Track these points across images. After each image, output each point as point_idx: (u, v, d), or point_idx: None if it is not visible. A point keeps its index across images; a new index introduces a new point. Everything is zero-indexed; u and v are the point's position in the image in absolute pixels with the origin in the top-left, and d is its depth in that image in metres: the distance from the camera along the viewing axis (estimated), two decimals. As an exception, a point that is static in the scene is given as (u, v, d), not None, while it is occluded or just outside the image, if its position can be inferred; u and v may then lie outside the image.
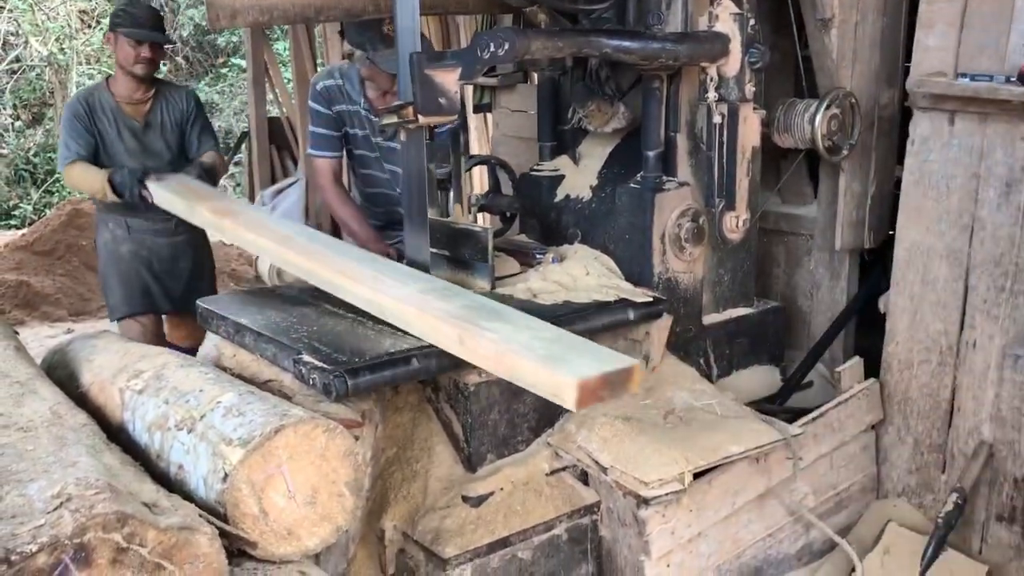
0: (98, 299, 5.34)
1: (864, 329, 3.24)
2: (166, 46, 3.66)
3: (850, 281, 3.21)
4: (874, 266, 3.19)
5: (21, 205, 10.32)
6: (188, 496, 1.72)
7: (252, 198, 7.41)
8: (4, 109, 10.77)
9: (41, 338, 5.46)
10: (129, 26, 3.38)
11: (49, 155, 10.44)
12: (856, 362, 2.90)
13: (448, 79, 2.37)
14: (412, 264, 2.58)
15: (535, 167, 3.11)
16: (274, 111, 7.39)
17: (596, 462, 2.36)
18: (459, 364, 2.19)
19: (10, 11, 10.82)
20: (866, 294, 3.13)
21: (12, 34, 10.84)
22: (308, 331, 2.29)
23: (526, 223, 3.15)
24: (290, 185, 6.85)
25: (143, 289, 3.61)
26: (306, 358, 2.10)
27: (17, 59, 10.84)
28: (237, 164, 9.85)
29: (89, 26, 11.42)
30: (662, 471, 2.25)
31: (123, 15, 3.42)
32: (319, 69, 6.23)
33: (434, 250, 2.60)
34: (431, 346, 2.14)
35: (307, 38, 6.76)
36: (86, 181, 3.43)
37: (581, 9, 2.78)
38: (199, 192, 3.15)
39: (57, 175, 9.59)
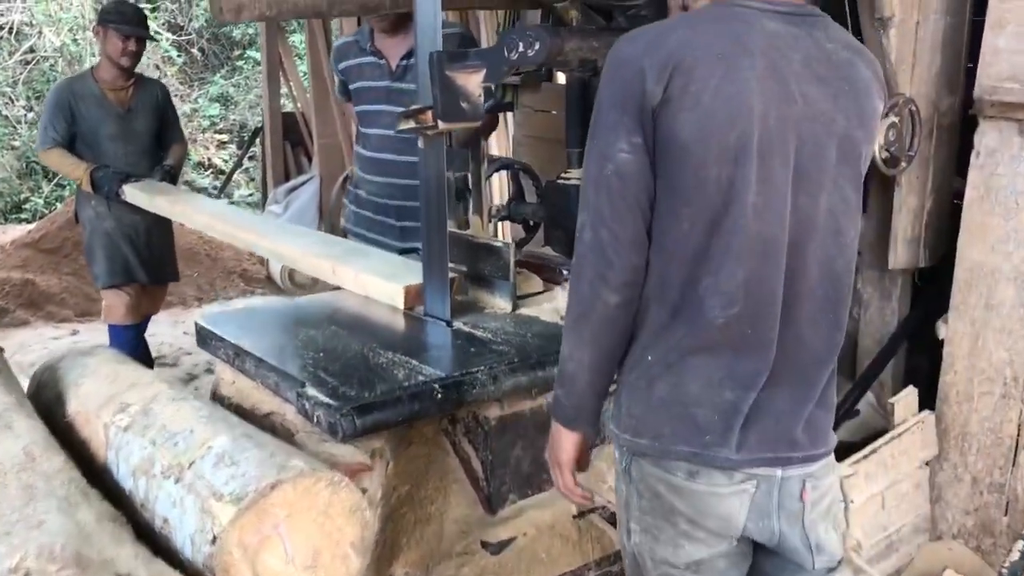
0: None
1: (915, 354, 3.01)
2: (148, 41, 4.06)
3: (901, 302, 2.97)
4: (928, 287, 2.94)
5: (32, 199, 10.17)
6: (174, 555, 1.53)
7: (265, 195, 7.23)
8: (17, 101, 10.62)
9: (45, 340, 5.29)
10: (118, 22, 3.74)
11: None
12: (910, 392, 2.67)
13: (471, 81, 2.16)
14: (428, 281, 2.38)
15: (562, 175, 2.87)
16: (289, 106, 7.20)
17: (629, 506, 2.14)
18: (480, 399, 2.02)
19: (23, 0, 10.67)
20: (920, 317, 2.90)
21: (26, 24, 10.69)
22: (314, 357, 2.08)
23: (552, 235, 2.91)
24: (304, 183, 6.67)
25: (124, 262, 3.93)
26: (311, 391, 1.88)
27: (31, 49, 10.69)
28: (251, 159, 9.67)
29: (103, 17, 11.27)
30: (703, 519, 2.03)
31: (113, 12, 3.79)
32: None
33: (451, 265, 2.40)
34: (448, 378, 1.97)
35: (323, 31, 6.57)
36: (65, 167, 3.85)
37: (617, 5, 2.55)
38: (160, 189, 3.80)
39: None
